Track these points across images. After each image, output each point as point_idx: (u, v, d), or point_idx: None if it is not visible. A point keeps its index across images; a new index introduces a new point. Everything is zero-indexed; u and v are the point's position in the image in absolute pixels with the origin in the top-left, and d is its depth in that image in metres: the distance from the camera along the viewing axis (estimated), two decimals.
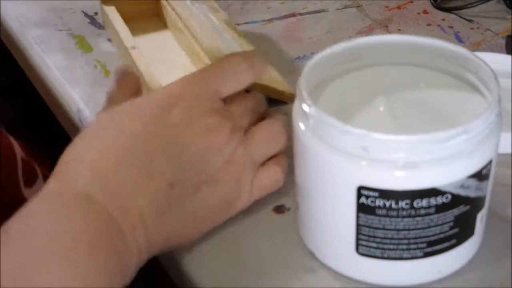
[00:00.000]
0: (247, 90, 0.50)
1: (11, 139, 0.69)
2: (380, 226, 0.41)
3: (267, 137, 0.48)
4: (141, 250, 0.41)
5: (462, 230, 0.42)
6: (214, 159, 0.45)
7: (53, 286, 0.36)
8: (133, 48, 0.62)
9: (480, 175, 0.41)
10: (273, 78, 0.58)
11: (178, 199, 0.43)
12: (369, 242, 0.42)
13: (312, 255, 0.46)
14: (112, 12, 0.67)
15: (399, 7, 0.74)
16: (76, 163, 0.42)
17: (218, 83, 0.47)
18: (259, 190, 0.48)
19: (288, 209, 0.49)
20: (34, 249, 0.37)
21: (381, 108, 0.45)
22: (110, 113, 0.45)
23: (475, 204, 0.42)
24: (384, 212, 0.40)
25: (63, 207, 0.39)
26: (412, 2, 0.75)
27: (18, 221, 0.38)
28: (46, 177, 0.74)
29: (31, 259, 0.36)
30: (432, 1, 0.74)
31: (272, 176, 0.48)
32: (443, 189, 0.39)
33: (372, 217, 0.40)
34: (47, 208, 0.39)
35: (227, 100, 0.47)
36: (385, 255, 0.42)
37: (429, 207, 0.40)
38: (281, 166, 0.49)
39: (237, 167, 0.46)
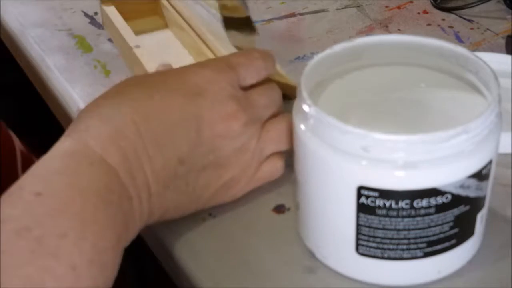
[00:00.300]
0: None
1: (11, 132, 0.69)
2: (380, 226, 0.41)
3: (280, 135, 0.49)
4: (142, 218, 0.42)
5: (462, 230, 0.42)
6: (226, 145, 0.45)
7: (67, 237, 0.36)
8: (137, 47, 0.62)
9: (480, 175, 0.41)
10: (277, 72, 0.59)
11: (184, 176, 0.44)
12: (369, 242, 0.42)
13: (312, 255, 0.46)
14: (112, 12, 0.67)
15: (399, 7, 0.74)
16: (95, 123, 0.42)
17: (243, 71, 0.47)
18: (258, 181, 0.49)
19: (288, 209, 0.49)
20: (48, 204, 0.37)
21: (381, 108, 0.45)
22: (136, 79, 0.46)
23: (475, 204, 0.42)
24: (384, 212, 0.40)
25: (77, 167, 0.40)
26: (412, 2, 0.75)
27: (32, 178, 0.39)
28: None
29: (45, 212, 0.37)
30: (432, 1, 0.74)
31: (273, 169, 0.49)
32: (443, 189, 0.39)
33: (372, 217, 0.40)
34: (61, 166, 0.39)
35: (253, 89, 0.48)
36: (385, 255, 0.42)
37: (429, 207, 0.40)
38: (282, 159, 0.49)
39: (246, 157, 0.47)
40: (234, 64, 0.48)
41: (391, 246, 0.41)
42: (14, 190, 0.38)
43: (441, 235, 0.41)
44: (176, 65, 0.50)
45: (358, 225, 0.41)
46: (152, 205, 0.43)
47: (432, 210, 0.40)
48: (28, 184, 0.38)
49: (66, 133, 0.42)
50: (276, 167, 0.49)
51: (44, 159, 0.40)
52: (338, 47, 0.46)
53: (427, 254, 0.42)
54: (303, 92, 0.42)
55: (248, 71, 0.48)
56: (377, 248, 0.42)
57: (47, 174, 0.39)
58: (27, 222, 0.36)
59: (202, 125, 0.44)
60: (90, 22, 0.73)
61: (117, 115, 0.42)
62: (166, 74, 0.47)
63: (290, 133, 0.48)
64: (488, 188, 0.43)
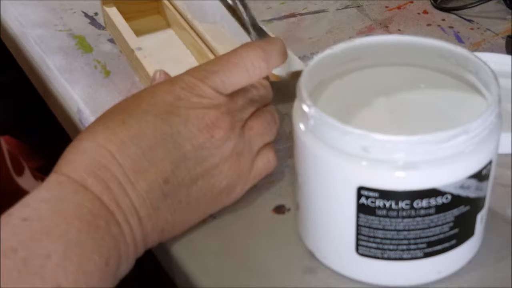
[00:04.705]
0: None
1: None
2: (380, 227, 0.41)
3: (263, 128, 0.49)
4: (136, 242, 0.43)
5: (462, 231, 0.42)
6: (212, 155, 0.45)
7: (51, 258, 0.38)
8: (139, 49, 0.62)
9: (480, 176, 0.41)
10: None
11: (173, 194, 0.44)
12: (369, 243, 0.42)
13: (312, 255, 0.46)
14: (114, 13, 0.67)
15: (399, 7, 0.74)
16: (73, 156, 0.43)
17: (219, 78, 0.47)
18: (254, 178, 0.49)
19: (288, 209, 0.49)
20: (33, 228, 0.39)
21: (381, 108, 0.45)
22: (114, 106, 0.46)
23: (475, 204, 0.42)
24: (384, 212, 0.40)
25: (62, 196, 0.41)
26: (412, 2, 0.75)
27: (20, 206, 0.40)
28: (33, 173, 0.75)
29: (31, 235, 0.38)
30: (432, 1, 0.74)
31: (266, 163, 0.49)
32: (443, 189, 0.39)
33: (372, 217, 0.40)
34: (47, 195, 0.41)
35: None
36: (385, 256, 0.42)
37: (429, 207, 0.40)
38: (273, 150, 0.49)
39: (236, 161, 0.46)
40: (210, 71, 0.46)
41: (391, 247, 0.41)
42: (3, 217, 0.39)
43: (441, 236, 0.41)
44: (178, 64, 0.50)
45: (358, 226, 0.41)
46: (144, 228, 0.43)
47: (432, 210, 0.40)
48: (16, 211, 0.40)
49: (53, 169, 0.43)
50: (268, 159, 0.49)
51: (33, 191, 0.41)
52: (338, 48, 0.46)
53: (427, 255, 0.42)
54: (303, 92, 0.42)
55: (225, 76, 0.46)
56: (377, 248, 0.42)
57: (34, 202, 0.40)
58: (13, 244, 0.38)
59: (180, 141, 0.44)
60: (90, 23, 0.73)
61: (93, 147, 0.43)
62: (140, 96, 0.46)
63: (272, 123, 0.49)
64: (488, 188, 0.43)
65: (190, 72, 0.47)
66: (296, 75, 0.56)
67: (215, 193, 0.46)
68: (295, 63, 0.57)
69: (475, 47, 0.67)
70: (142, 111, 0.45)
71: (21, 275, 0.37)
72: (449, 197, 0.40)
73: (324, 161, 0.41)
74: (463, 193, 0.40)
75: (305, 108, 0.41)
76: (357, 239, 0.42)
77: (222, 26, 0.64)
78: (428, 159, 0.39)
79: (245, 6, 0.58)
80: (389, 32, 0.70)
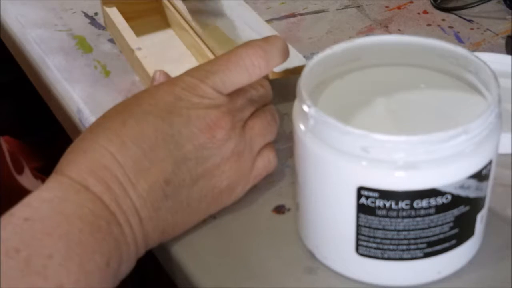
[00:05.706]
0: None
1: None
2: (380, 227, 0.41)
3: (264, 128, 0.49)
4: (137, 242, 0.43)
5: (462, 231, 0.42)
6: (213, 155, 0.45)
7: (53, 257, 0.38)
8: (139, 49, 0.62)
9: (480, 176, 0.41)
10: None
11: (174, 195, 0.44)
12: (369, 243, 0.42)
13: (312, 255, 0.46)
14: (114, 13, 0.67)
15: (399, 7, 0.74)
16: (74, 157, 0.43)
17: (219, 77, 0.46)
18: (255, 178, 0.49)
19: (288, 209, 0.49)
20: (35, 228, 0.39)
21: (381, 109, 0.45)
22: (115, 106, 0.46)
23: (475, 204, 0.42)
24: (384, 212, 0.40)
25: (64, 196, 0.41)
26: (412, 2, 0.75)
27: (21, 206, 0.40)
28: (33, 173, 0.75)
29: (33, 235, 0.38)
30: (432, 1, 0.74)
31: (267, 163, 0.49)
32: (443, 189, 0.39)
33: (372, 217, 0.40)
34: (49, 196, 0.41)
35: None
36: (385, 256, 0.42)
37: (429, 207, 0.40)
38: (273, 150, 0.49)
39: (237, 161, 0.46)
40: (211, 71, 0.46)
41: (391, 247, 0.41)
42: (5, 216, 0.39)
43: (441, 236, 0.41)
44: (178, 64, 0.50)
45: (358, 226, 0.41)
46: (145, 228, 0.43)
47: (432, 210, 0.40)
48: (17, 211, 0.40)
49: (55, 169, 0.43)
50: (269, 159, 0.49)
51: (34, 191, 0.41)
52: (338, 48, 0.46)
53: (427, 255, 0.42)
54: (303, 92, 0.42)
55: (225, 76, 0.46)
56: (377, 248, 0.42)
57: (35, 202, 0.40)
58: (15, 243, 0.38)
59: (181, 142, 0.44)
60: (90, 23, 0.73)
61: (94, 147, 0.43)
62: (140, 97, 0.46)
63: (273, 123, 0.49)
64: (488, 188, 0.43)
65: (190, 72, 0.47)
66: (296, 70, 0.56)
67: (216, 193, 0.46)
68: (296, 58, 0.57)
69: (475, 47, 0.67)
70: (142, 112, 0.44)
71: (24, 274, 0.37)
72: (449, 197, 0.40)
73: (324, 161, 0.41)
74: (463, 193, 0.40)
75: (305, 108, 0.41)
76: (357, 239, 0.42)
77: (222, 26, 0.64)
78: (428, 159, 0.39)
79: None
80: (389, 32, 0.70)
